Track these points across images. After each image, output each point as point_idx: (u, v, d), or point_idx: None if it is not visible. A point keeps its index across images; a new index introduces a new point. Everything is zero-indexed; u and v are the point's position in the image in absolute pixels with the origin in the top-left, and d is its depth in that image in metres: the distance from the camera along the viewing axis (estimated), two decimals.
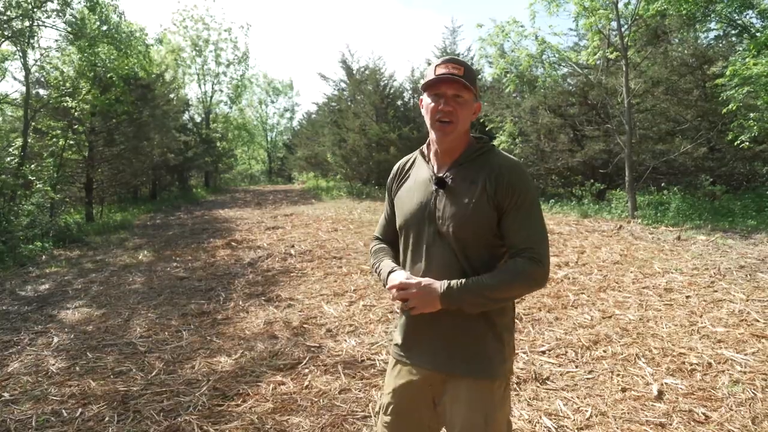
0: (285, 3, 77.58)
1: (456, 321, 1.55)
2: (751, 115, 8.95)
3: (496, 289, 1.48)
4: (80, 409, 3.24)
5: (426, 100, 1.60)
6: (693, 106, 11.92)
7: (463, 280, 1.49)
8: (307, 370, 3.75)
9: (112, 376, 3.76)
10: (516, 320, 4.54)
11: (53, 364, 4.03)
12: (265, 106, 39.96)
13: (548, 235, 1.58)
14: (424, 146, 1.73)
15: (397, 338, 1.70)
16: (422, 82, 1.61)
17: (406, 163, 1.78)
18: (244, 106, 37.21)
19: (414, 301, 1.51)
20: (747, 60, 7.99)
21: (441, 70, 1.55)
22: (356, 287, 5.89)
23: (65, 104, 11.66)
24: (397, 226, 1.70)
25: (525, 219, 1.53)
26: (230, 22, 52.16)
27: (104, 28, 10.97)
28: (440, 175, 1.60)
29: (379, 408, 1.75)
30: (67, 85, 12.15)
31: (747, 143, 9.13)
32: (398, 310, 1.75)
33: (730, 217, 9.41)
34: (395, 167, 1.80)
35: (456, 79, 1.53)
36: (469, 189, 1.55)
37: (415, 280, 1.52)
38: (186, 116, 24.18)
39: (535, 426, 2.85)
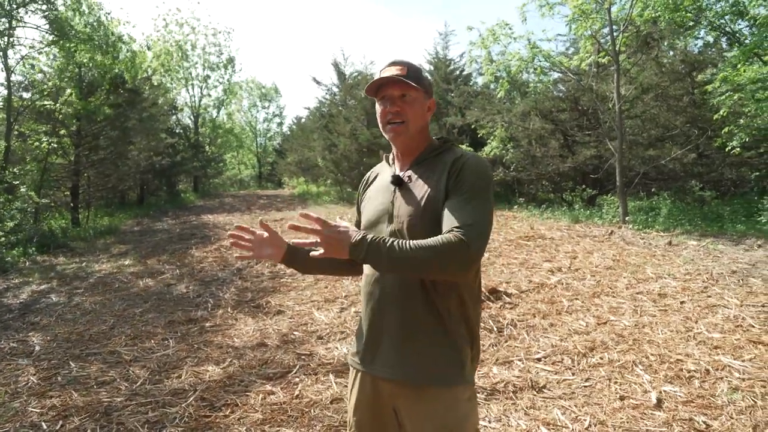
0: (276, 9, 77.55)
1: (412, 329, 1.50)
2: (741, 121, 9.02)
3: (408, 254, 1.34)
4: (61, 422, 3.11)
5: (377, 107, 1.61)
6: (682, 112, 11.99)
7: (383, 238, 1.38)
8: (297, 379, 3.65)
9: (95, 387, 3.63)
10: (511, 326, 4.47)
11: (34, 374, 3.88)
12: (255, 110, 39.78)
13: (489, 231, 1.44)
14: (390, 152, 1.73)
15: (356, 347, 1.64)
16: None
17: (374, 170, 1.78)
18: (233, 111, 37.02)
19: (322, 241, 1.38)
20: (738, 67, 8.05)
21: (385, 73, 1.55)
22: (347, 293, 5.79)
23: (48, 107, 11.44)
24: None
25: (465, 201, 1.42)
26: (216, 23, 51.78)
27: (88, 29, 10.79)
28: (397, 174, 1.59)
29: (348, 424, 1.68)
30: (50, 84, 11.95)
31: (738, 150, 9.20)
32: (359, 317, 1.68)
33: (720, 223, 9.44)
34: (365, 177, 1.80)
35: (397, 80, 1.52)
36: (424, 186, 1.51)
37: (335, 223, 1.41)
38: (173, 119, 23.93)
39: None
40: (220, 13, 55.68)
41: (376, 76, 1.57)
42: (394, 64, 1.57)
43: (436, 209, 1.46)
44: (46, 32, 11.08)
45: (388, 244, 1.35)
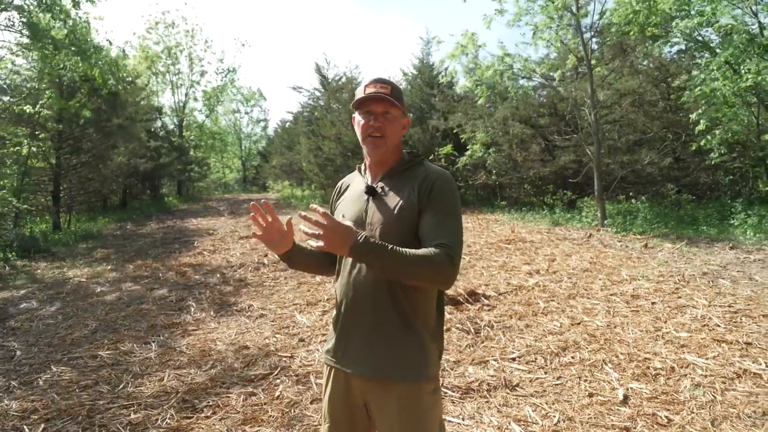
0: (261, 12, 77.31)
1: (380, 328, 1.61)
2: (717, 132, 9.32)
3: (405, 262, 1.47)
4: (43, 425, 3.15)
5: (357, 118, 1.72)
6: (659, 117, 12.29)
7: (382, 243, 1.48)
8: (278, 381, 3.73)
9: (77, 390, 3.66)
10: (488, 328, 4.60)
11: (15, 379, 3.90)
12: (239, 114, 39.70)
13: (464, 246, 1.64)
14: (362, 163, 1.84)
15: (329, 344, 1.76)
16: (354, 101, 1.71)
17: (346, 180, 1.89)
18: (219, 114, 36.93)
19: (325, 235, 1.42)
20: (715, 76, 8.34)
21: (370, 90, 1.65)
22: (329, 296, 5.88)
23: (26, 111, 11.28)
24: None
25: (443, 219, 1.57)
26: (202, 24, 51.48)
27: (64, 32, 10.66)
28: (371, 185, 1.70)
29: (323, 416, 1.79)
30: (28, 86, 11.82)
31: (717, 159, 9.53)
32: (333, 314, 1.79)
33: (695, 225, 9.70)
34: (337, 187, 1.91)
35: (384, 98, 1.64)
36: (396, 197, 1.64)
37: (339, 220, 1.47)
38: (158, 123, 23.81)
39: None
40: (203, 15, 55.04)
41: (361, 90, 1.69)
42: (379, 81, 1.68)
43: (410, 220, 1.59)
44: (20, 35, 10.93)
45: (389, 248, 1.46)
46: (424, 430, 1.61)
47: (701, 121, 9.15)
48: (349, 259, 1.66)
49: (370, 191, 1.68)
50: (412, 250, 1.49)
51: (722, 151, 9.40)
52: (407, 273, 1.50)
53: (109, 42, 13.55)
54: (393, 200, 1.64)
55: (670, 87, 12.01)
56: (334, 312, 1.76)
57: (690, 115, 9.53)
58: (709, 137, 9.37)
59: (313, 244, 1.44)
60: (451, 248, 1.51)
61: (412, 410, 1.60)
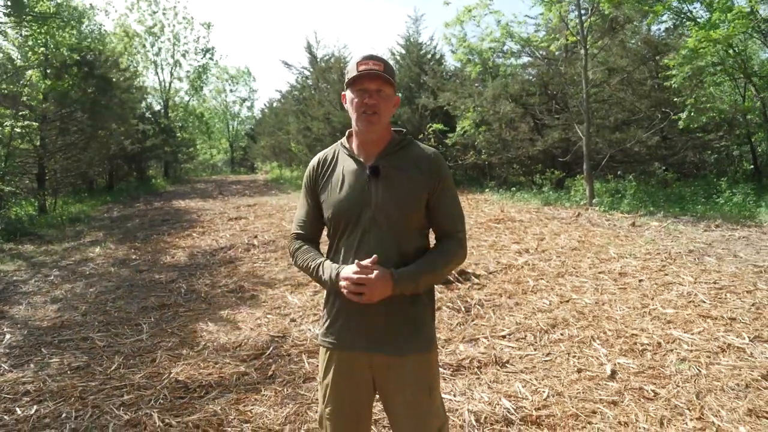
0: None
1: (390, 304, 1.63)
2: (694, 98, 9.40)
3: (436, 272, 1.67)
4: (35, 407, 3.15)
5: (350, 95, 1.70)
6: (647, 96, 12.32)
7: (410, 267, 1.62)
8: (270, 360, 3.75)
9: (68, 372, 3.66)
10: (478, 306, 4.65)
11: (5, 362, 3.89)
12: (224, 94, 39.11)
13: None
14: (344, 140, 1.81)
15: (330, 327, 1.75)
16: (346, 78, 1.70)
17: (327, 157, 1.81)
18: (205, 95, 36.38)
19: (368, 290, 1.55)
20: (700, 31, 8.40)
21: (363, 67, 1.64)
22: None
23: (11, 89, 11.03)
24: (326, 217, 1.75)
25: (450, 202, 1.73)
26: (183, 6, 50.29)
27: (52, 5, 10.41)
28: (373, 164, 1.69)
29: (321, 399, 1.79)
30: (14, 65, 11.56)
31: (683, 122, 9.58)
32: (336, 301, 1.76)
33: (681, 204, 9.81)
34: (315, 162, 1.82)
35: (378, 75, 1.63)
36: (402, 176, 1.68)
37: (368, 272, 1.57)
38: (143, 105, 23.42)
39: (495, 408, 2.93)
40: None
41: (352, 67, 1.66)
42: (371, 58, 1.66)
43: (418, 199, 1.68)
44: (6, 14, 10.68)
45: (422, 270, 1.63)
46: (433, 395, 1.70)
47: (678, 75, 9.19)
48: (355, 239, 1.66)
49: (375, 171, 1.67)
50: (436, 256, 1.68)
51: (692, 114, 9.46)
52: (440, 278, 1.75)
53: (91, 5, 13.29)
54: (400, 180, 1.67)
55: (659, 65, 12.02)
56: (332, 293, 1.74)
57: (671, 77, 9.57)
58: (686, 98, 9.41)
59: (357, 299, 1.57)
60: (461, 231, 1.73)
61: (424, 377, 1.69)
